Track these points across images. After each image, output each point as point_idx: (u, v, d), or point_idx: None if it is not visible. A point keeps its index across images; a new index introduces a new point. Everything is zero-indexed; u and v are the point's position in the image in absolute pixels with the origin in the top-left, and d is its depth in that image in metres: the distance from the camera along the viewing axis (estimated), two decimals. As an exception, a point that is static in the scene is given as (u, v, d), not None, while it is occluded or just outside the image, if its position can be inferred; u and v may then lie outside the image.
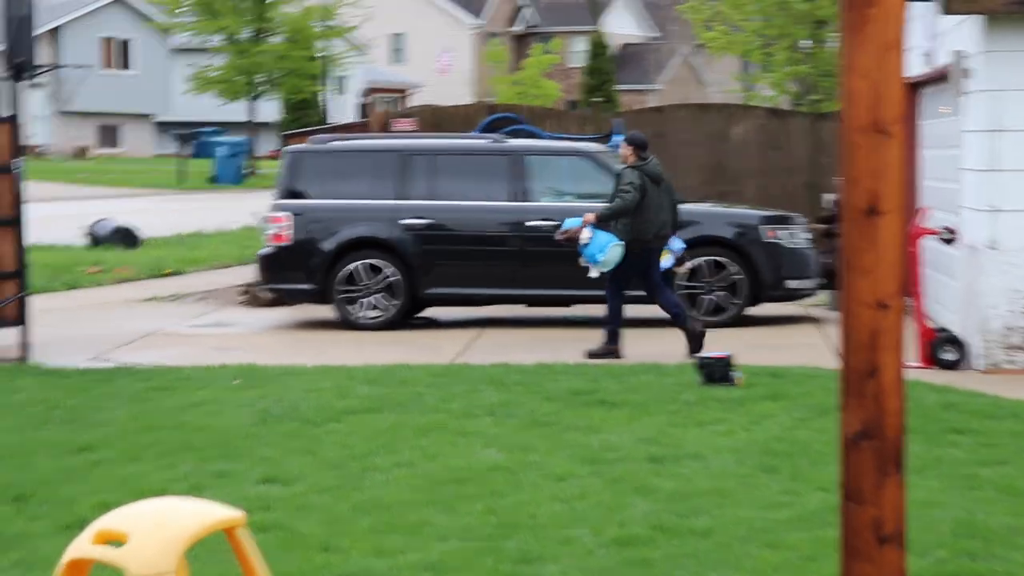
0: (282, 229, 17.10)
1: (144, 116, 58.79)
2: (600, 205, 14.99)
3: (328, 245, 16.95)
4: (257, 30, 45.33)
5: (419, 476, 9.95)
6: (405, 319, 17.44)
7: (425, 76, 68.75)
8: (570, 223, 14.36)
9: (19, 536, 8.07)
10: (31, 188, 16.77)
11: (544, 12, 79.37)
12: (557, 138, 21.04)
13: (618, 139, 20.27)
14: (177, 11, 48.46)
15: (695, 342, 13.98)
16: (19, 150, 14.58)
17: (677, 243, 15.77)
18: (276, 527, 8.43)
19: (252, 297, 18.98)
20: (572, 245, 14.21)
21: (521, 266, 17.27)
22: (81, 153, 53.02)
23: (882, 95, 4.68)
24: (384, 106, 64.92)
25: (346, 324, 16.94)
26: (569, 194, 17.75)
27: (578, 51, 70.20)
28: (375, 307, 16.97)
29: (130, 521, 5.11)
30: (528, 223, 17.02)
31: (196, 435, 10.88)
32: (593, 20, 73.48)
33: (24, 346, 14.05)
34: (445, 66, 63.18)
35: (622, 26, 78.10)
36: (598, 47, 65.14)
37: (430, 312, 18.40)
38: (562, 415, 11.94)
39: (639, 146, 14.59)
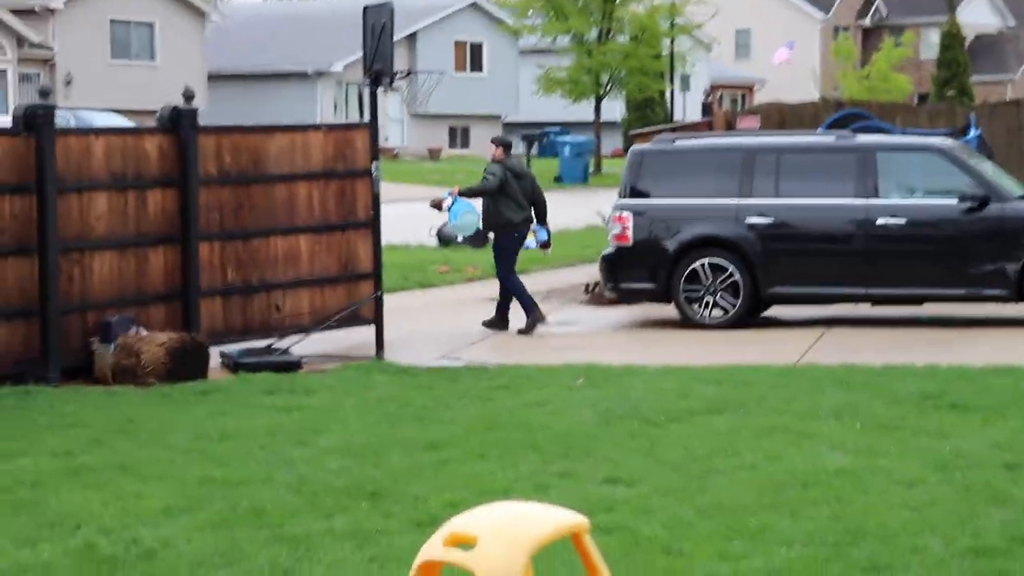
0: (624, 229, 17.14)
1: (494, 117, 59.69)
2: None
3: (671, 244, 16.93)
4: (604, 30, 45.58)
5: (761, 479, 9.82)
6: (748, 318, 17.27)
7: (770, 72, 67.82)
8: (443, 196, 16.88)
9: (375, 532, 8.31)
10: (385, 189, 17.25)
11: (895, 4, 76.98)
12: (907, 133, 20.44)
13: (974, 133, 19.60)
14: (527, 13, 49.32)
15: (530, 328, 15.98)
16: (376, 154, 15.11)
17: (542, 232, 17.61)
18: (619, 529, 8.41)
19: (595, 296, 19.08)
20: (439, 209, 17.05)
21: (869, 264, 16.94)
22: (434, 154, 54.39)
23: None
24: (728, 103, 64.25)
25: (688, 323, 16.83)
26: (920, 191, 17.26)
27: (930, 43, 67.67)
28: (718, 306, 16.88)
29: (480, 524, 5.21)
30: (878, 221, 16.64)
31: (539, 434, 10.95)
32: (947, 10, 70.89)
33: (379, 344, 14.49)
34: (782, 58, 61.99)
35: (977, 16, 74.89)
36: (951, 38, 62.63)
37: (773, 311, 18.10)
38: (910, 418, 11.65)
39: (505, 147, 16.79)
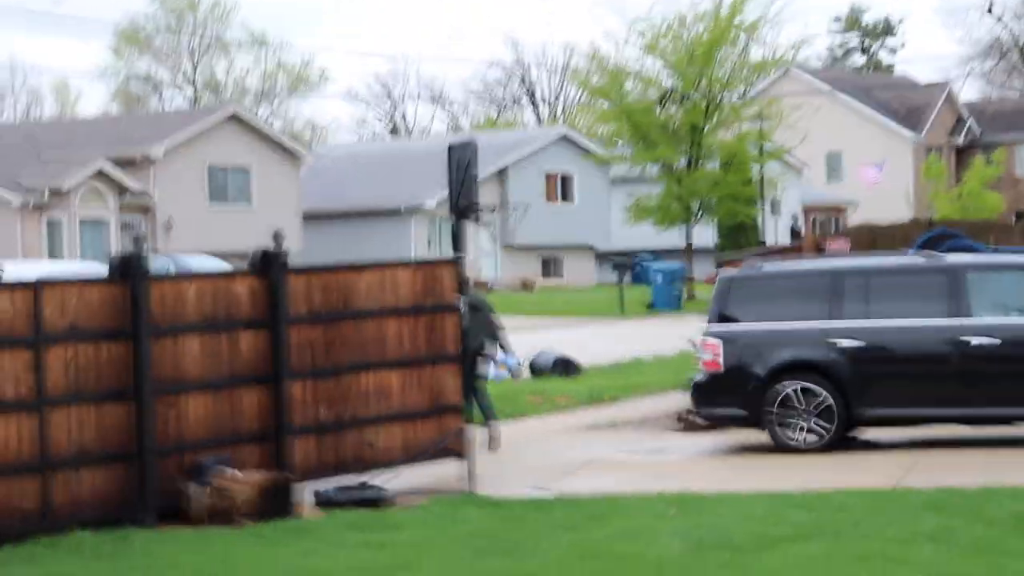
0: (715, 355, 16.91)
1: (585, 247, 59.75)
2: None
3: (760, 369, 16.66)
4: (693, 157, 45.44)
5: None
6: (841, 441, 16.86)
7: (862, 194, 67.32)
8: None
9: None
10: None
11: (988, 122, 75.84)
12: (999, 251, 20.15)
13: None
14: (616, 143, 49.50)
15: (494, 443, 16.72)
16: (463, 288, 15.16)
17: (510, 359, 19.44)
18: None
19: (687, 423, 18.82)
20: None
21: (962, 384, 16.54)
22: (527, 285, 54.37)
23: None
24: (819, 226, 63.64)
25: (781, 448, 16.56)
26: (1014, 309, 16.89)
27: None
28: (811, 431, 16.55)
29: None
30: (972, 341, 16.30)
31: (632, 564, 10.76)
32: None
33: (469, 477, 14.28)
34: (872, 178, 61.27)
35: None
36: None
37: (869, 434, 17.66)
38: (1007, 541, 11.31)
39: (463, 283, 16.53)
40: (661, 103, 46.14)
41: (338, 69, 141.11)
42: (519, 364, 19.85)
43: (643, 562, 10.85)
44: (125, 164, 45.28)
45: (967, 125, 75.63)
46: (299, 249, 42.94)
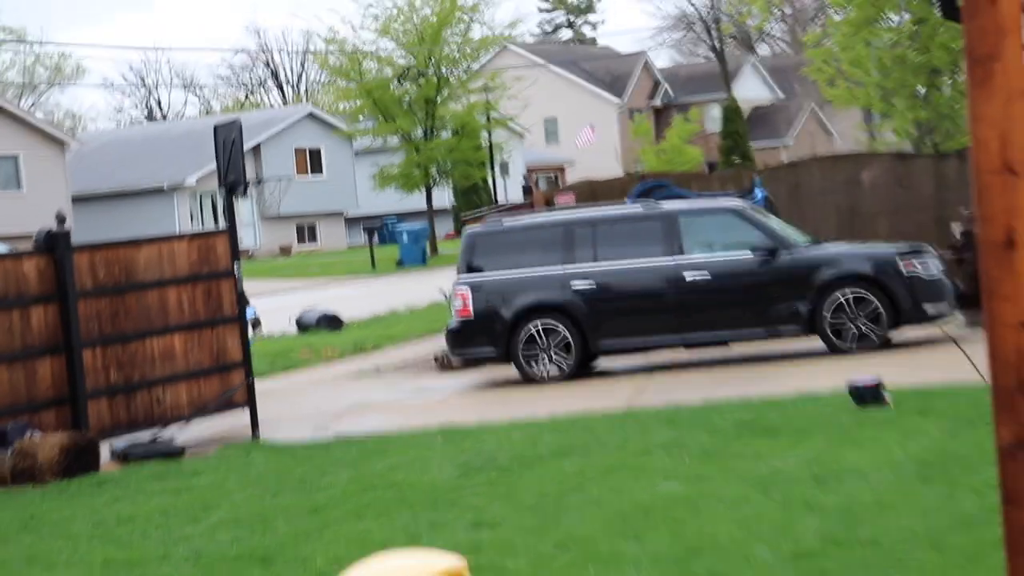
0: (465, 303, 16.95)
1: (336, 214, 59.58)
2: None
3: (507, 312, 16.70)
4: (428, 127, 45.74)
5: (607, 511, 9.74)
6: (581, 372, 17.13)
7: (577, 153, 68.73)
8: None
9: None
10: (246, 286, 16.97)
11: (680, 85, 78.35)
12: (703, 197, 20.82)
13: (760, 194, 20.03)
14: (358, 118, 49.48)
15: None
16: (237, 256, 14.91)
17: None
18: (488, 568, 8.30)
19: (444, 365, 18.88)
20: None
21: (681, 315, 16.98)
22: (285, 251, 54.03)
23: (1009, 140, 4.55)
24: (544, 184, 64.93)
25: (529, 380, 16.70)
26: (720, 246, 17.43)
27: (714, 117, 69.14)
28: (554, 364, 16.74)
29: (378, 570, 4.96)
30: (686, 276, 16.82)
31: (409, 491, 10.76)
32: (725, 88, 72.67)
33: (254, 425, 14.17)
34: (586, 139, 62.61)
35: (751, 91, 76.92)
36: (731, 112, 64.33)
37: (605, 364, 17.96)
38: (731, 446, 11.62)
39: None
40: (398, 81, 46.05)
41: (94, 61, 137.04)
42: (255, 313, 19.63)
43: (419, 487, 10.90)
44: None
45: (663, 89, 77.71)
46: (72, 230, 42.14)
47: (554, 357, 16.46)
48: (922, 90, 29.41)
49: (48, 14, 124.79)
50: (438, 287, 21.51)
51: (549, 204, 23.24)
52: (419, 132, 45.60)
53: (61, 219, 13.13)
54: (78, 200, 49.98)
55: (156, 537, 9.83)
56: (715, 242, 17.20)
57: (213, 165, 15.74)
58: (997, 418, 4.61)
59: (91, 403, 12.91)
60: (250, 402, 14.31)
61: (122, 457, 12.71)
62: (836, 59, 31.60)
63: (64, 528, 10.31)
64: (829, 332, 16.41)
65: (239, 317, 14.49)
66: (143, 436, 13.45)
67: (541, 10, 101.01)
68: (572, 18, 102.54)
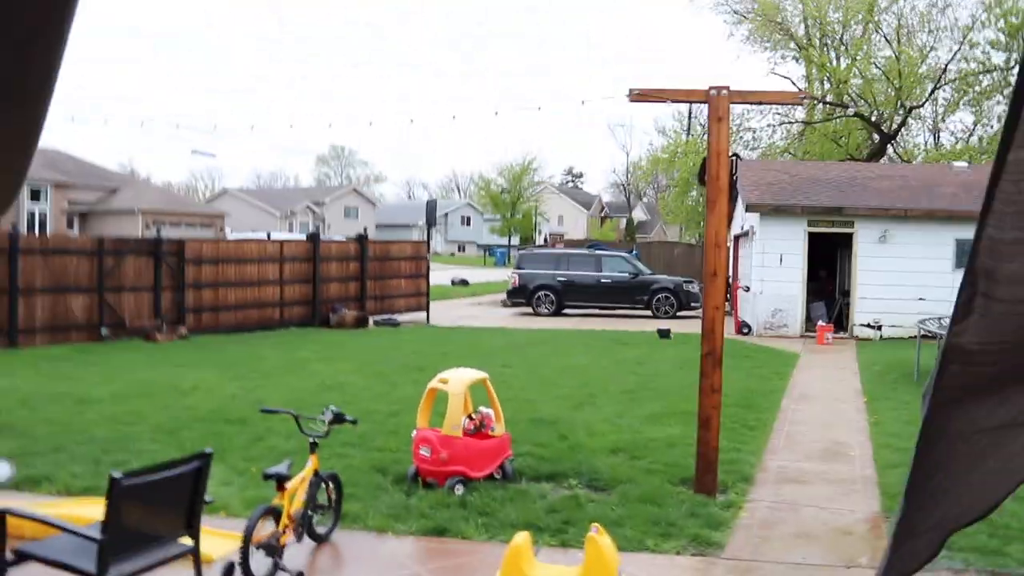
0: (515, 281, 32.35)
1: (473, 242, 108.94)
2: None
3: (531, 286, 31.84)
4: (511, 214, 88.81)
5: (556, 367, 16.74)
6: (557, 313, 31.49)
7: (566, 230, 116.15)
8: None
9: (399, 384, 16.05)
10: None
11: (612, 208, 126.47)
12: (612, 250, 36.53)
13: (636, 252, 38.18)
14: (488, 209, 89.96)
15: None
16: (428, 251, 30.25)
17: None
18: (505, 381, 14.47)
19: (504, 303, 33.79)
20: None
21: (599, 295, 31.27)
22: (451, 254, 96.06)
23: (720, 234, 9.20)
24: (554, 237, 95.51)
25: (536, 314, 31.12)
26: (617, 270, 31.93)
27: (623, 224, 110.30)
28: (546, 308, 31.38)
29: (451, 375, 9.48)
30: (602, 280, 31.11)
31: (481, 349, 19.68)
32: (629, 211, 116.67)
33: (427, 318, 28.75)
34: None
35: (638, 214, 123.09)
36: (629, 222, 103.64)
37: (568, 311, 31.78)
38: (608, 347, 20.27)
39: None
40: (502, 192, 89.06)
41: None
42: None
43: (485, 348, 19.94)
44: None
45: (605, 208, 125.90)
46: (369, 234, 65.03)
47: (547, 306, 31.90)
48: (700, 221, 49.21)
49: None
50: (508, 274, 36.50)
51: (554, 246, 40.95)
52: (509, 214, 78.64)
53: (364, 234, 29.84)
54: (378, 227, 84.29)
55: (388, 348, 19.52)
56: (615, 268, 32.42)
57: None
58: (703, 343, 9.54)
59: (368, 301, 28.59)
60: (427, 308, 29.49)
61: (377, 323, 27.81)
62: (670, 208, 51.65)
63: (355, 341, 21.56)
64: (654, 308, 31.56)
65: (426, 275, 29.93)
66: (385, 317, 28.33)
67: (562, 173, 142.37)
68: (572, 177, 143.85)
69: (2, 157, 1.43)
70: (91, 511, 8.07)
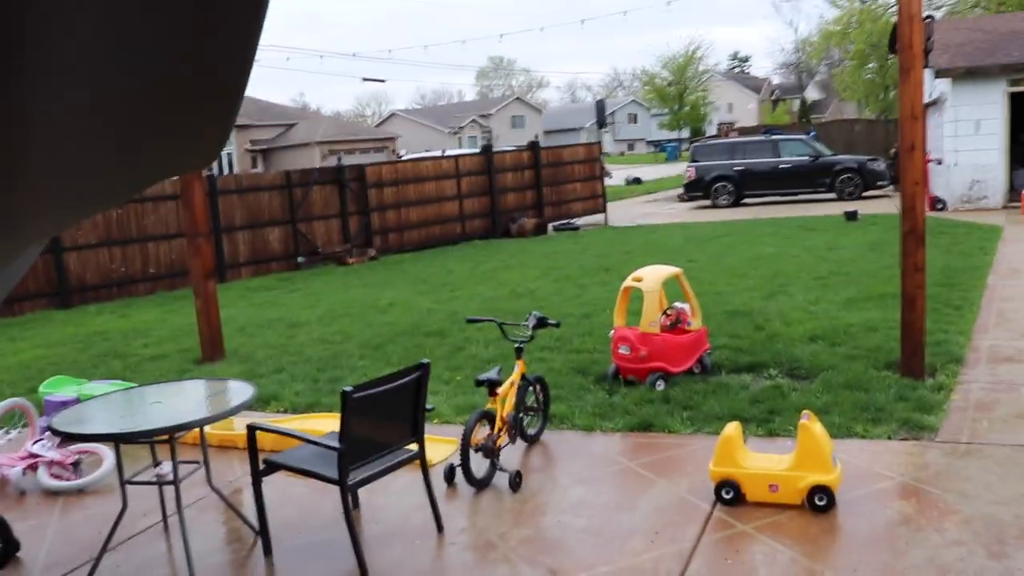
0: (690, 174, 33.00)
1: (642, 139, 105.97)
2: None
3: (707, 178, 32.48)
4: (678, 107, 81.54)
5: (743, 257, 17.30)
6: (736, 204, 32.11)
7: (739, 119, 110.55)
8: None
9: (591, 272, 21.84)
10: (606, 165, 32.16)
11: (783, 90, 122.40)
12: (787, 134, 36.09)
13: (813, 133, 36.94)
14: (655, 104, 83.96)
15: None
16: (601, 152, 31.04)
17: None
18: (693, 276, 15.60)
19: (681, 198, 34.64)
20: None
21: (778, 181, 31.43)
22: (621, 154, 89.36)
23: (916, 105, 8.45)
24: (725, 127, 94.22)
25: (715, 206, 31.83)
26: (796, 153, 31.88)
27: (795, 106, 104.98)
28: (724, 200, 32.08)
29: (645, 272, 9.62)
30: (780, 166, 31.38)
31: (663, 247, 20.15)
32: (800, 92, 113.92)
33: (605, 219, 29.83)
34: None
35: (810, 93, 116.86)
36: (803, 102, 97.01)
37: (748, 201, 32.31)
38: (795, 233, 20.67)
39: None
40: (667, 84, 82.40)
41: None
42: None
43: (666, 246, 21.71)
44: None
45: (776, 92, 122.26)
46: (541, 142, 66.93)
47: (726, 197, 32.35)
48: (880, 94, 46.98)
49: None
50: (682, 169, 38.75)
51: (727, 135, 41.02)
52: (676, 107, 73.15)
53: (535, 142, 31.04)
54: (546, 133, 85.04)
55: (571, 252, 20.48)
56: (794, 152, 32.32)
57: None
58: (903, 220, 8.69)
59: (545, 208, 29.70)
60: (604, 210, 30.74)
61: (556, 229, 29.20)
62: (846, 83, 49.85)
63: (538, 247, 22.49)
64: (838, 190, 31.41)
65: (600, 178, 31.40)
66: (563, 222, 29.42)
67: (728, 59, 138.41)
68: (739, 61, 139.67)
69: (211, 109, 1.45)
70: (318, 424, 8.56)
